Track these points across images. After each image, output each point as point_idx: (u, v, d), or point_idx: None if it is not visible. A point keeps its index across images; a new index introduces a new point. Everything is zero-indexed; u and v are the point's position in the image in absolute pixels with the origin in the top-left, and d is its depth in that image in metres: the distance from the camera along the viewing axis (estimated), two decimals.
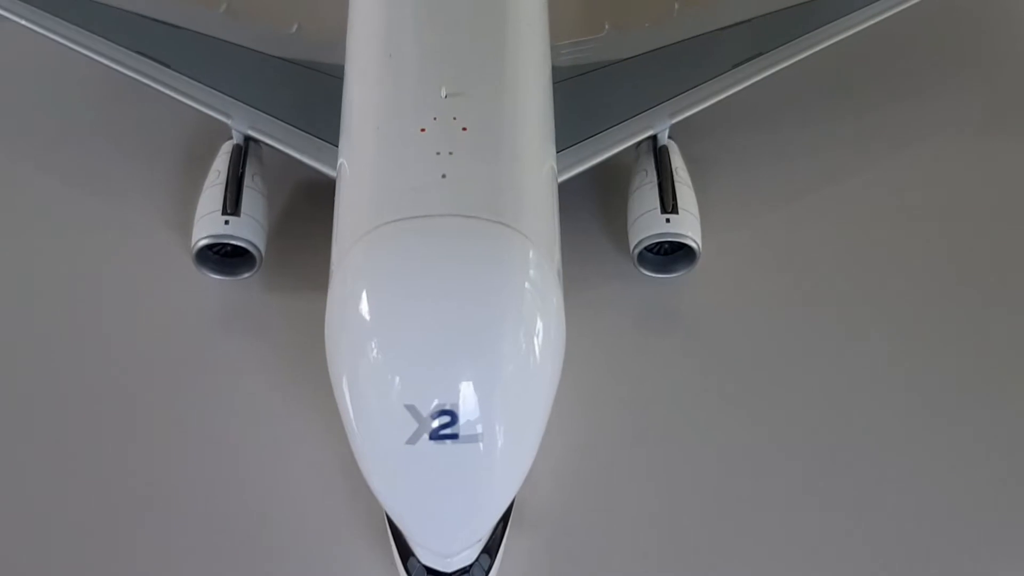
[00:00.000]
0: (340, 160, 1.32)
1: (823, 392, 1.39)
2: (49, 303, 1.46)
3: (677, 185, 1.43)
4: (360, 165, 1.26)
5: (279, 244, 1.47)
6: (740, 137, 1.59)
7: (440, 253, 1.13)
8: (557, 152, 1.38)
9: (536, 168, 1.27)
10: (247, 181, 1.43)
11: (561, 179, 1.38)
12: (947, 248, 1.51)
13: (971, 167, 1.60)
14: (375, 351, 1.11)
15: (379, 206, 1.18)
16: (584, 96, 1.48)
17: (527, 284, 1.14)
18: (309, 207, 1.52)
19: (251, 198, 1.42)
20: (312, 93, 1.48)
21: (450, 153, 1.20)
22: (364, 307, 1.12)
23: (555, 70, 1.44)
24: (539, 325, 1.14)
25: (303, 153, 1.42)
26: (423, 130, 1.22)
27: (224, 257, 1.42)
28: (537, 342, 1.14)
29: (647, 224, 1.41)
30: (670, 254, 1.44)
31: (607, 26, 1.58)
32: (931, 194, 1.56)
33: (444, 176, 1.18)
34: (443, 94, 1.24)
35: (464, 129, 1.22)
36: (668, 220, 1.40)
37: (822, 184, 1.57)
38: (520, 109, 1.29)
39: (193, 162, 1.55)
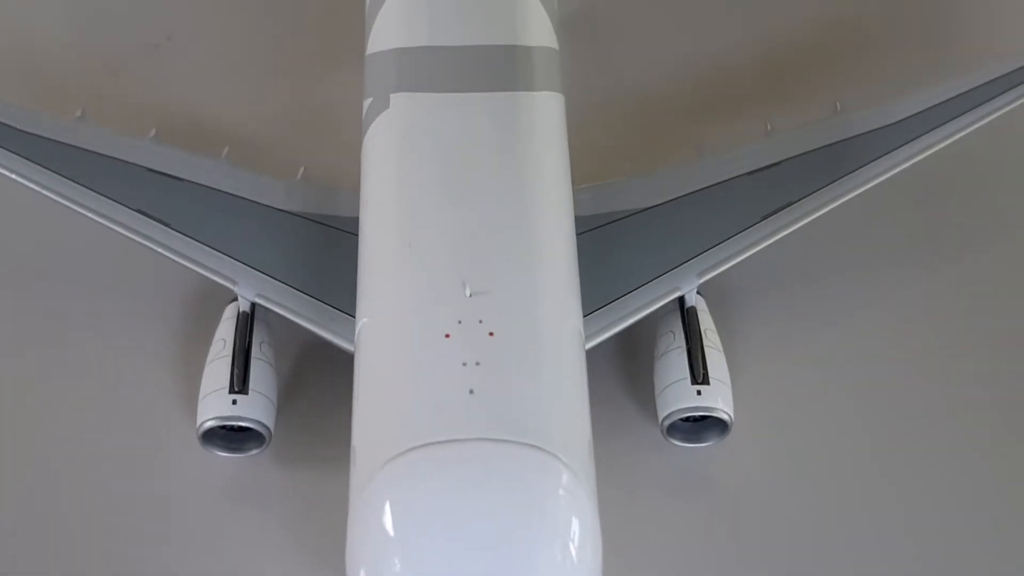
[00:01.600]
0: (358, 334, 1.25)
1: (863, 566, 1.33)
2: (49, 480, 1.38)
3: (707, 350, 1.37)
4: (381, 367, 1.20)
5: (288, 411, 1.41)
6: (769, 281, 1.52)
7: (471, 487, 1.08)
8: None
9: (568, 365, 1.21)
10: (254, 351, 1.36)
11: (587, 346, 1.31)
12: (996, 419, 1.44)
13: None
14: None
15: (404, 425, 1.12)
16: (607, 250, 1.42)
17: (561, 515, 1.09)
18: (318, 369, 1.45)
19: (259, 371, 1.35)
20: (323, 252, 1.41)
21: (477, 363, 1.14)
22: (389, 543, 1.08)
23: (575, 219, 1.37)
24: (574, 553, 1.08)
25: (315, 324, 1.35)
26: (448, 336, 1.15)
27: (231, 431, 1.35)
28: (572, 570, 1.07)
29: (676, 396, 1.35)
30: (700, 420, 1.37)
31: (628, 167, 1.51)
32: (985, 355, 1.49)
33: (472, 392, 1.12)
34: (467, 293, 1.18)
35: (491, 334, 1.16)
36: (699, 392, 1.34)
37: (860, 337, 1.49)
38: (549, 300, 1.23)
39: (198, 318, 1.48)
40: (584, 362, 1.25)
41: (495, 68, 1.37)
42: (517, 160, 1.30)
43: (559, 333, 1.21)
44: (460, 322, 1.16)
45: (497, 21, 1.42)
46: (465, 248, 1.22)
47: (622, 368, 1.47)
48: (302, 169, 1.52)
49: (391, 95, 1.36)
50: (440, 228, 1.24)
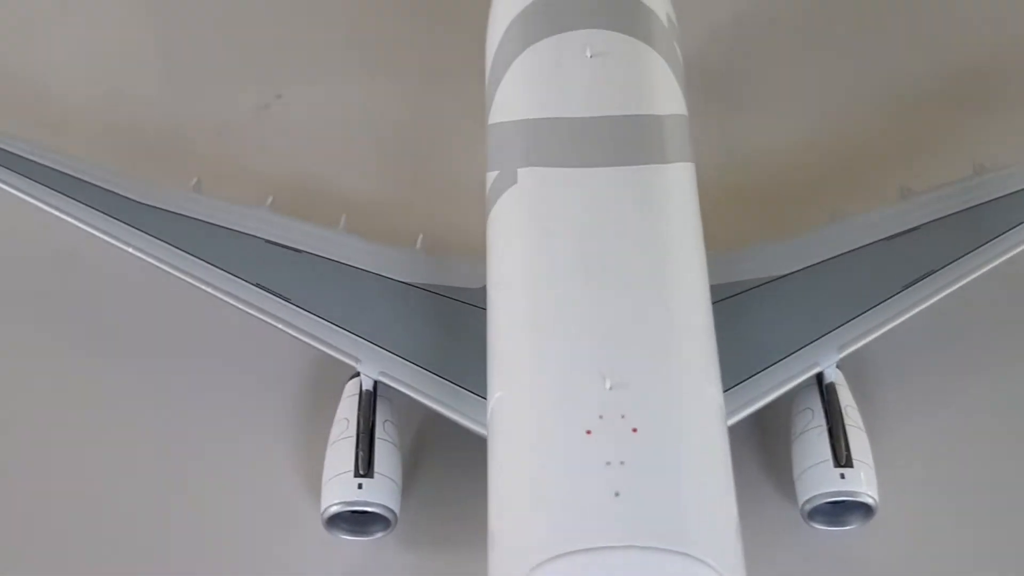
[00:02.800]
0: (491, 412, 1.21)
1: None
2: (172, 566, 1.35)
3: (849, 429, 1.31)
4: (520, 456, 1.15)
5: (412, 490, 1.37)
6: (907, 348, 1.45)
7: None
8: None
9: (713, 456, 1.15)
10: (378, 431, 1.33)
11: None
12: None
13: None
14: None
15: (548, 527, 1.07)
16: (740, 322, 1.36)
17: None
18: (441, 444, 1.41)
19: (384, 452, 1.32)
20: (446, 326, 1.37)
21: (621, 463, 1.09)
22: None
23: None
24: None
25: (441, 404, 1.32)
26: (589, 432, 1.10)
27: (356, 514, 1.31)
28: None
29: (818, 479, 1.29)
30: (841, 503, 1.31)
31: (758, 232, 1.45)
32: None
33: (617, 494, 1.06)
34: (608, 385, 1.13)
35: (634, 431, 1.11)
36: (843, 476, 1.28)
37: (1014, 406, 1.42)
38: (692, 387, 1.17)
39: (318, 390, 1.45)
40: (727, 444, 1.20)
41: (626, 140, 1.32)
42: (653, 240, 1.25)
43: (703, 422, 1.16)
44: (601, 417, 1.11)
45: (626, 88, 1.37)
46: (603, 337, 1.17)
47: (754, 441, 1.41)
48: (421, 236, 1.47)
49: (518, 169, 1.32)
50: (576, 315, 1.19)
